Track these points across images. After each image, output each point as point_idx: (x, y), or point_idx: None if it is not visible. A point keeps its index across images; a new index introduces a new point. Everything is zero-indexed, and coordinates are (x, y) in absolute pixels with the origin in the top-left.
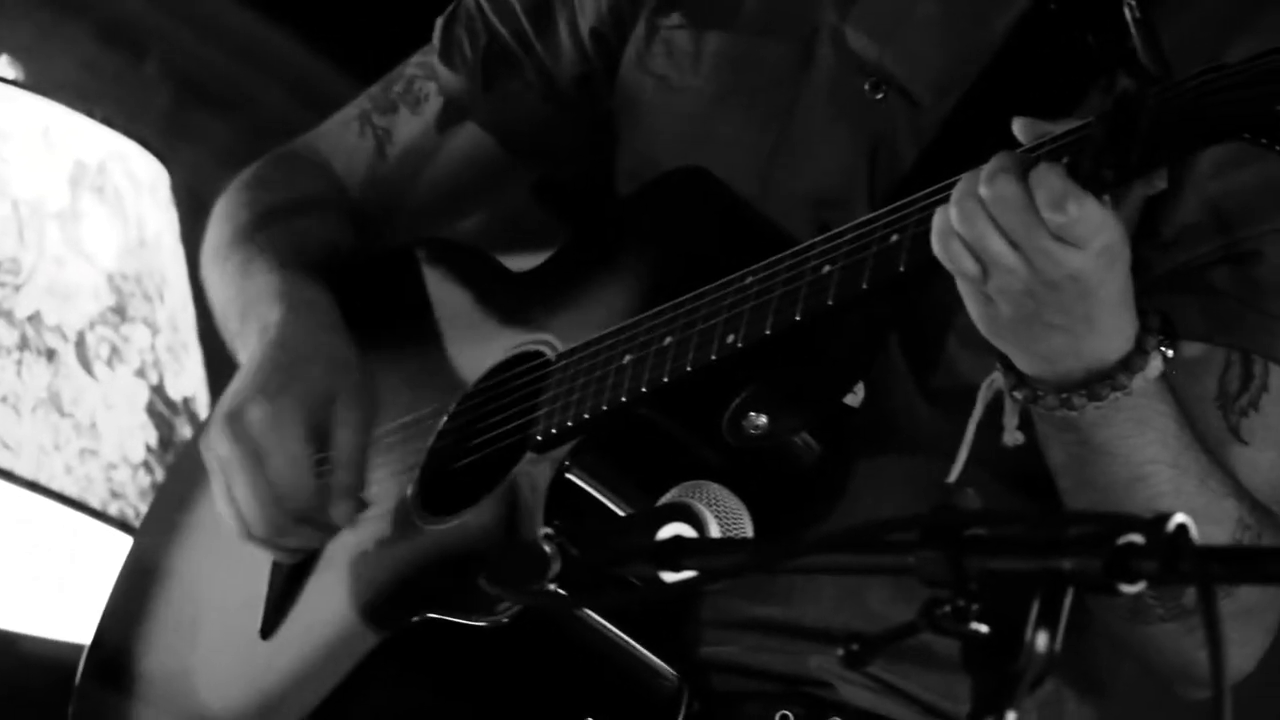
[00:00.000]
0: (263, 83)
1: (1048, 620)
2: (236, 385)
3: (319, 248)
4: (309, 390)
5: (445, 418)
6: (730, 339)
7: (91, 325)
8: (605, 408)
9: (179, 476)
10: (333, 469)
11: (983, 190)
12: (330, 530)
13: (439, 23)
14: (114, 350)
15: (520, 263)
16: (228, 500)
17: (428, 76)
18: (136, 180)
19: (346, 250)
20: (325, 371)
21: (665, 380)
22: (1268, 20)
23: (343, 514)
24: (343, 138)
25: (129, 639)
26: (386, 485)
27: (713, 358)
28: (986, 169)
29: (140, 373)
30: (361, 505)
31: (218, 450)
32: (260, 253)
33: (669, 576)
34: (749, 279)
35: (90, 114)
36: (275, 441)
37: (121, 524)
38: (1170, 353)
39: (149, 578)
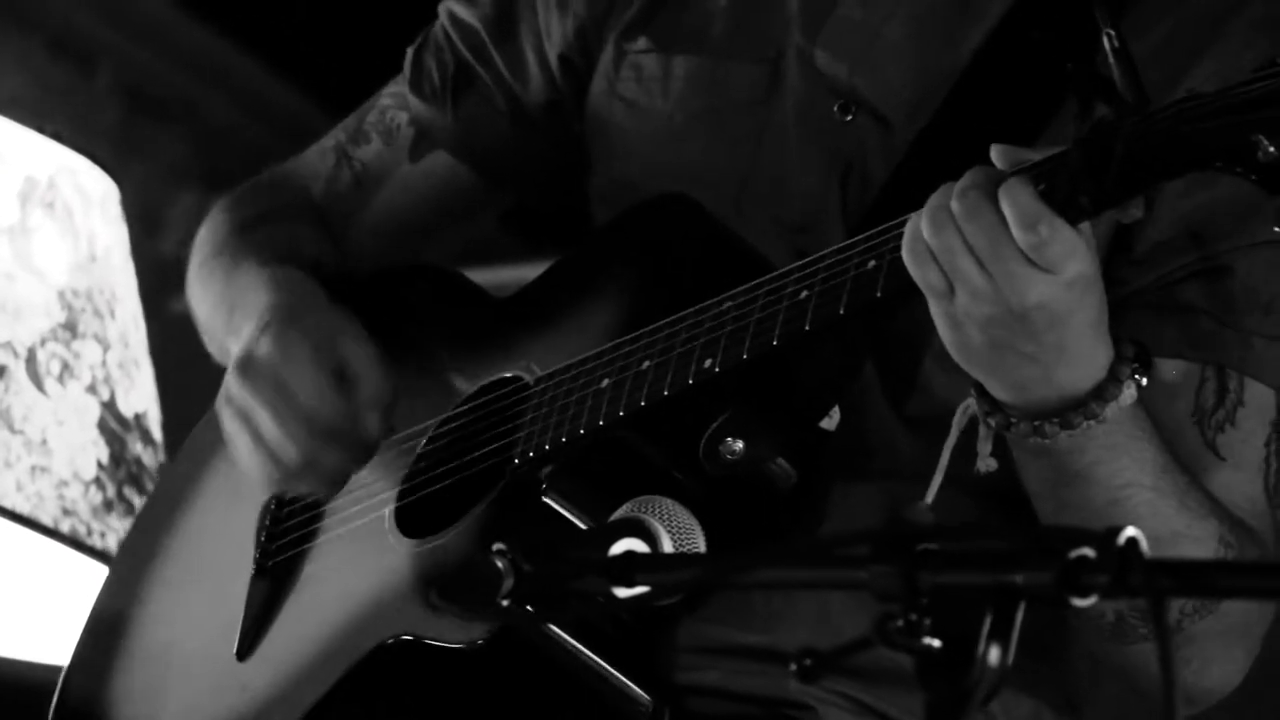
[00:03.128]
0: (214, 97)
1: (1000, 635)
2: (239, 347)
3: (305, 258)
4: (313, 328)
5: (425, 440)
6: (708, 364)
7: (42, 341)
8: (583, 431)
9: (157, 502)
10: (357, 388)
11: (954, 204)
12: (362, 447)
13: (409, 52)
14: (65, 366)
15: (490, 277)
16: (254, 444)
17: (399, 107)
18: (87, 195)
19: (329, 268)
20: (326, 316)
21: (643, 404)
22: (1230, 44)
23: (374, 426)
24: (319, 168)
25: (103, 666)
26: (366, 505)
27: (690, 382)
28: (960, 183)
29: (91, 389)
30: (389, 418)
31: (235, 396)
32: (247, 254)
33: (621, 591)
34: (727, 304)
35: (40, 129)
36: (291, 368)
37: (73, 541)
38: (1145, 381)
39: (126, 604)
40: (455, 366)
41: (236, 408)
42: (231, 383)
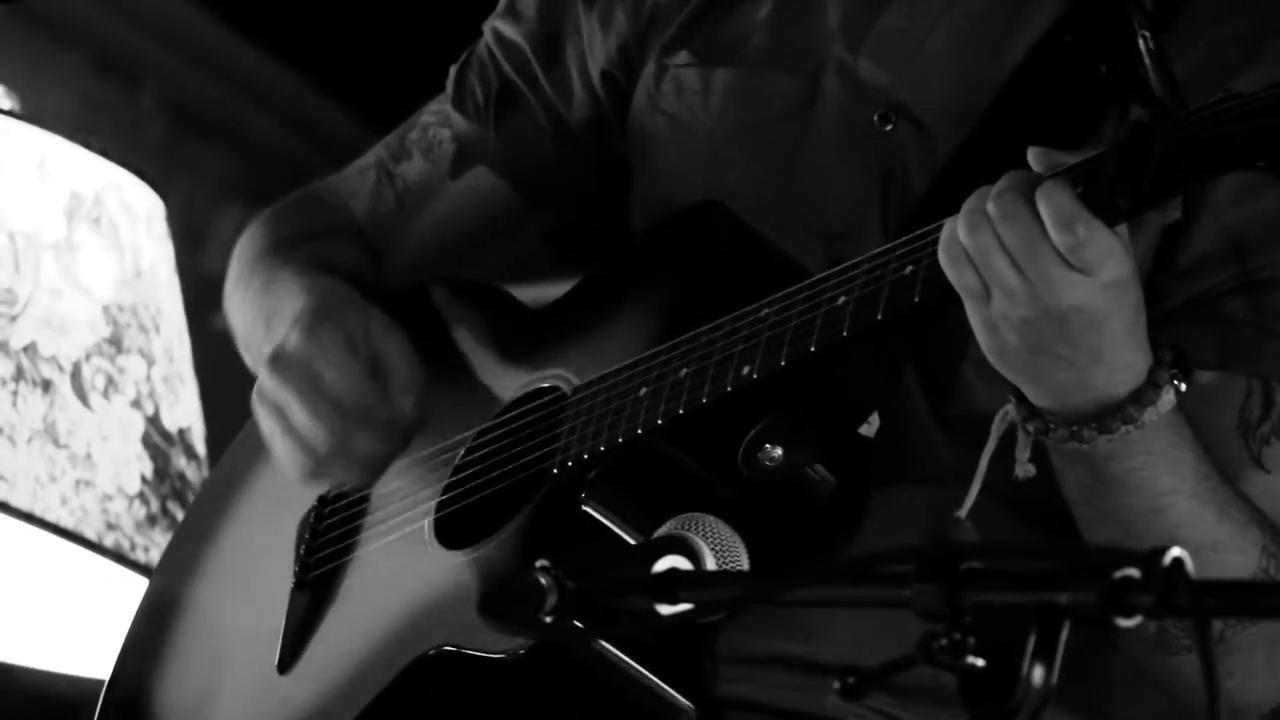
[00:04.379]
0: (258, 114)
1: (1044, 654)
2: (272, 344)
3: (346, 269)
4: (344, 321)
5: (462, 451)
6: (745, 370)
7: (87, 356)
8: (621, 440)
9: (198, 514)
10: (389, 375)
11: (990, 206)
12: (395, 431)
13: (452, 70)
14: (110, 381)
15: (532, 294)
16: (286, 435)
17: (442, 124)
18: (132, 211)
19: (368, 283)
20: (359, 310)
21: (681, 412)
22: (1270, 59)
23: (406, 406)
24: (360, 184)
25: (145, 678)
26: (405, 517)
27: (728, 389)
28: (996, 186)
29: (136, 404)
30: (421, 403)
31: (267, 389)
32: (284, 265)
33: (665, 609)
34: (764, 310)
35: (86, 145)
36: (322, 358)
37: (117, 555)
38: (1184, 387)
39: (166, 615)
40: (492, 377)
41: (269, 401)
42: (264, 376)
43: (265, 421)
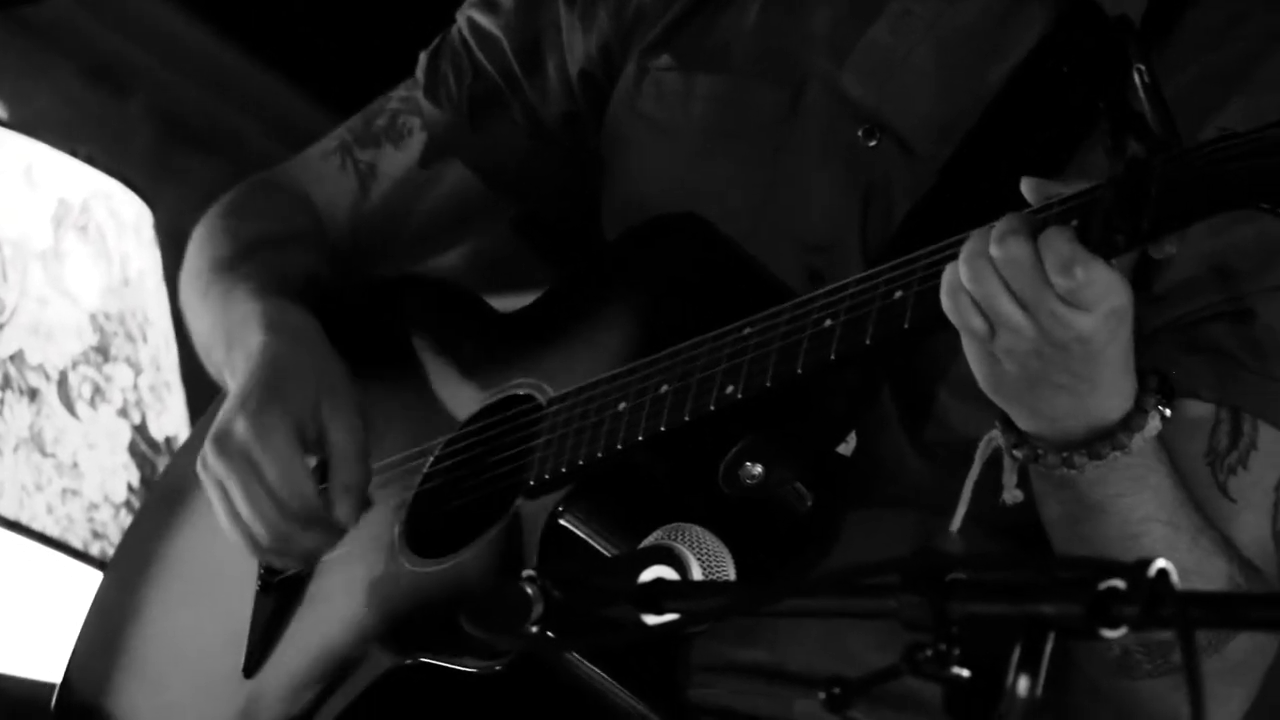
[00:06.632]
0: (246, 122)
1: (1029, 665)
2: (224, 408)
3: (300, 277)
4: (295, 400)
5: (431, 459)
6: (729, 390)
7: (74, 365)
8: (600, 454)
9: (149, 515)
10: (332, 469)
11: (994, 250)
12: (338, 531)
13: (423, 57)
14: (96, 390)
15: (502, 302)
16: (232, 518)
17: (411, 111)
18: (120, 219)
19: (326, 281)
20: (312, 383)
21: (662, 429)
22: (1257, 87)
23: (347, 512)
24: (323, 170)
25: (100, 682)
26: (372, 524)
27: (711, 408)
28: (997, 229)
29: (123, 412)
30: (367, 503)
31: (211, 467)
32: (242, 281)
33: (651, 619)
34: (747, 329)
35: (74, 153)
36: (263, 451)
37: (103, 564)
38: (1169, 412)
39: (119, 620)
40: (459, 382)
41: (213, 479)
42: (209, 453)
43: (209, 492)
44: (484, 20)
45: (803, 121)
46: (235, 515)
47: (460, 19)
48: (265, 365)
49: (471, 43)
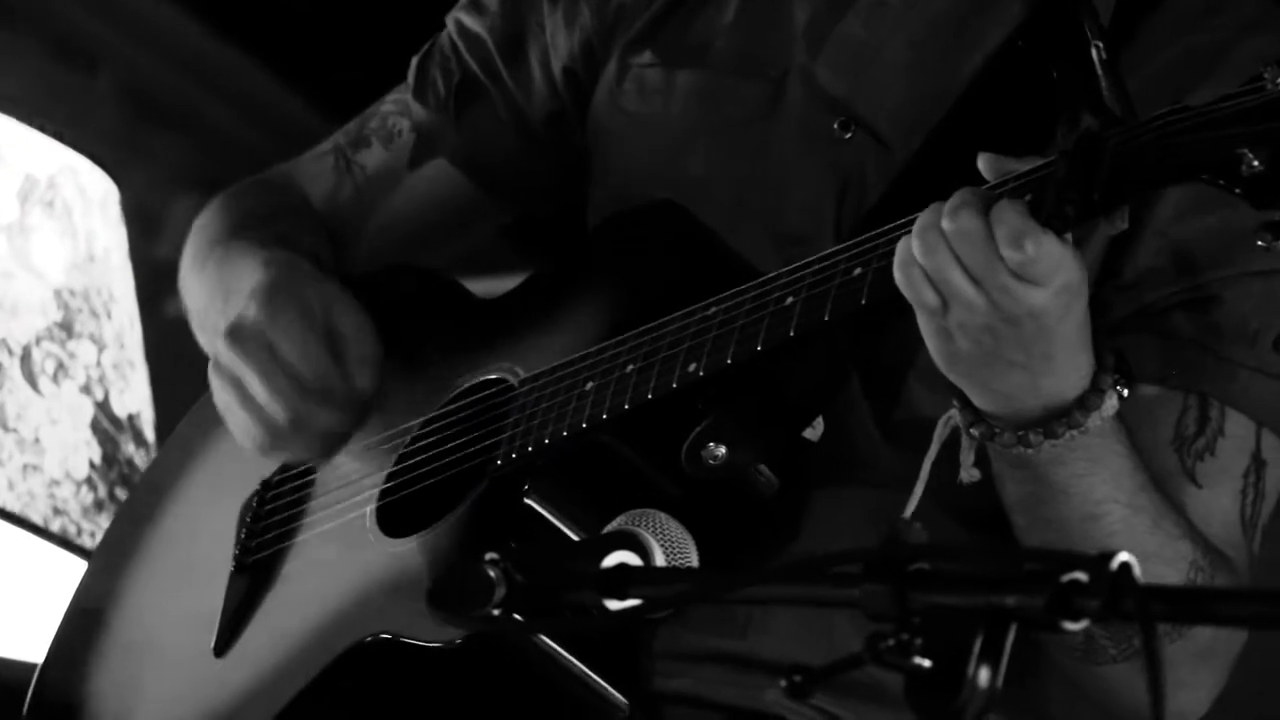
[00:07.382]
0: (214, 101)
1: (990, 656)
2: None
3: (302, 250)
4: (301, 295)
5: (408, 440)
6: (692, 367)
7: (38, 340)
8: (566, 433)
9: (132, 509)
10: (346, 345)
11: (945, 224)
12: (353, 404)
13: (414, 62)
14: (60, 365)
15: (486, 287)
16: (244, 407)
17: (401, 113)
18: (86, 196)
19: (327, 262)
20: (314, 285)
21: (626, 407)
22: (1228, 68)
23: (365, 381)
24: (318, 171)
25: (75, 668)
26: (348, 504)
27: (674, 386)
28: (949, 203)
29: (86, 389)
30: (379, 376)
31: (224, 361)
32: (239, 243)
33: (613, 604)
34: (712, 309)
35: (41, 128)
36: (277, 329)
37: (63, 540)
38: (1126, 392)
39: (101, 605)
40: (439, 367)
41: (226, 373)
42: (221, 348)
43: (221, 394)
44: (470, 21)
45: (783, 115)
46: (248, 404)
47: (449, 22)
48: (268, 276)
49: (459, 44)
